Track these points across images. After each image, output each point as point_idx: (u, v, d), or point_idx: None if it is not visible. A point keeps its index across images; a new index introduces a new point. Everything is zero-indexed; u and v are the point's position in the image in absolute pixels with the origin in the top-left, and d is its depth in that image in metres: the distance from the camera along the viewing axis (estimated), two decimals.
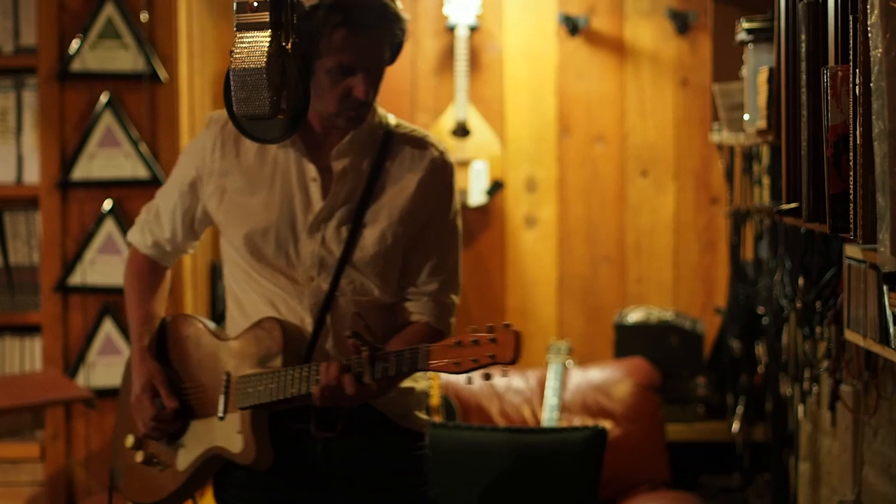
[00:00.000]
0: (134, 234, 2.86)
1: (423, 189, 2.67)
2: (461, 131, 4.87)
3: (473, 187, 4.86)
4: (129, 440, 2.76)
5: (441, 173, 2.70)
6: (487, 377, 2.36)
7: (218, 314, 4.75)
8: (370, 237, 2.63)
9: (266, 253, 2.66)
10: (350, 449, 2.65)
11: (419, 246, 2.68)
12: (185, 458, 2.69)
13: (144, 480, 2.76)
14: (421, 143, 2.71)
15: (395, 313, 2.72)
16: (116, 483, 2.83)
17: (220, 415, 2.63)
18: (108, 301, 4.37)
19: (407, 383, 2.70)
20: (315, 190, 2.65)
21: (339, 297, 2.63)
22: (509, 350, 2.33)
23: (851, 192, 2.06)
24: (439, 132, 4.89)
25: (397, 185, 2.66)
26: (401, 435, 2.71)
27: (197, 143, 2.76)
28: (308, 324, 2.63)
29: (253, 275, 2.69)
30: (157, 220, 2.82)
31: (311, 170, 2.65)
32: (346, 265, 2.63)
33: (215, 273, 4.76)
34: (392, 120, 2.73)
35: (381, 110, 2.71)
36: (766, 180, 3.86)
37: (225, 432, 2.63)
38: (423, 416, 2.78)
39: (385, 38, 2.59)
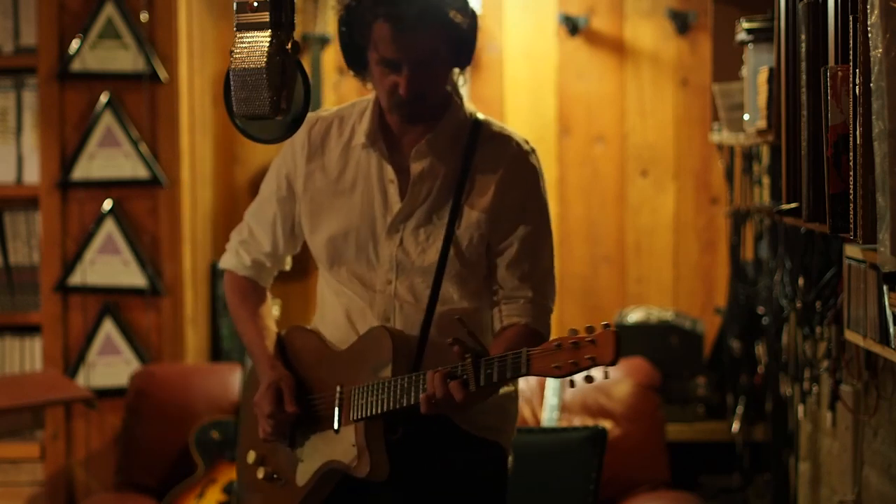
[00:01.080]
0: (228, 260, 2.82)
1: (503, 191, 2.61)
2: None
3: None
4: (251, 456, 2.73)
5: (523, 173, 2.64)
6: (589, 379, 2.30)
7: (218, 314, 4.76)
8: (455, 239, 2.60)
9: (347, 256, 2.64)
10: (413, 453, 2.60)
11: (508, 250, 2.63)
12: (303, 473, 2.65)
13: (266, 498, 2.72)
14: (504, 143, 2.65)
15: (489, 320, 2.67)
16: (240, 501, 2.81)
17: (336, 428, 2.60)
18: (108, 301, 4.37)
19: None
20: (393, 192, 2.62)
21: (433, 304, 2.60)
22: (609, 351, 2.26)
23: (851, 192, 2.06)
24: None
25: (478, 187, 2.61)
26: (468, 442, 2.65)
27: (286, 148, 2.74)
28: None
29: (332, 278, 2.68)
30: (252, 239, 2.78)
31: (389, 171, 2.62)
32: (441, 270, 2.59)
33: (215, 273, 4.75)
34: (480, 117, 2.67)
35: (469, 108, 2.66)
36: (766, 180, 3.86)
37: (341, 445, 2.59)
38: (498, 423, 2.69)
39: (436, 34, 2.52)
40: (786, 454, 3.76)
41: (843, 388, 2.91)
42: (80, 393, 4.06)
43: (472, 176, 2.62)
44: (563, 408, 4.29)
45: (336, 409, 2.60)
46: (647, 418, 4.27)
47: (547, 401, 4.29)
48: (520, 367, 2.34)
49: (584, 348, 2.28)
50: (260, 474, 2.71)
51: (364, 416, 2.54)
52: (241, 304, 2.79)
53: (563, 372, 2.30)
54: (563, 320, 4.98)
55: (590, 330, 2.29)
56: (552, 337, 2.55)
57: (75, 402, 4.19)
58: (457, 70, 2.65)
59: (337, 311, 2.68)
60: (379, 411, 2.52)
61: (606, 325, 2.29)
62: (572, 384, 2.34)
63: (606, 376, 2.29)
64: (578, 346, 2.29)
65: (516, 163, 2.64)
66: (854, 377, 2.83)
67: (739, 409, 4.20)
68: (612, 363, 2.27)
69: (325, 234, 2.66)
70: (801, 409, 3.56)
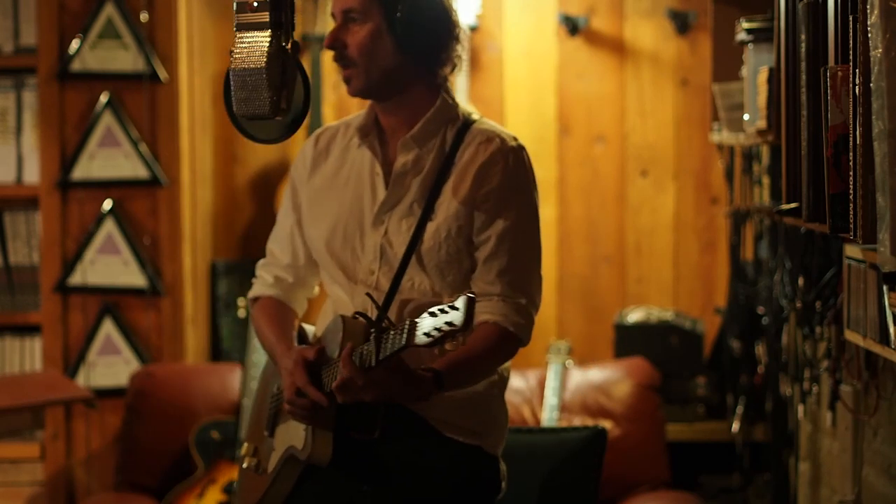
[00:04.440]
0: (252, 290, 2.83)
1: (480, 181, 2.60)
2: None
3: None
4: (245, 447, 2.78)
5: (503, 165, 2.62)
6: (448, 345, 2.27)
7: (218, 314, 4.76)
8: (429, 230, 2.60)
9: (335, 249, 2.66)
10: (392, 454, 2.60)
11: (485, 244, 2.60)
12: (273, 461, 2.69)
13: (248, 485, 2.76)
14: (489, 138, 2.64)
15: None
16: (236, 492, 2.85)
17: None
18: (108, 301, 4.37)
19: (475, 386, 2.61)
20: (379, 184, 2.65)
21: (398, 294, 2.60)
22: (460, 315, 2.24)
23: (851, 192, 2.06)
24: None
25: (459, 179, 2.61)
26: (445, 445, 2.61)
27: (296, 161, 2.80)
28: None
29: (326, 278, 2.73)
30: (272, 258, 2.80)
31: (377, 164, 2.66)
32: (407, 260, 2.60)
33: (215, 273, 4.76)
34: (475, 117, 2.69)
35: (463, 108, 2.68)
36: (766, 180, 3.86)
37: (297, 431, 2.62)
38: (479, 426, 2.63)
39: None
40: (786, 454, 3.76)
41: (843, 388, 2.91)
42: (80, 393, 4.05)
43: (455, 169, 2.63)
44: (563, 408, 4.29)
45: None
46: (647, 418, 4.27)
47: (547, 401, 4.29)
48: (402, 337, 2.30)
49: (446, 314, 2.27)
50: (245, 464, 2.75)
51: None
52: (265, 321, 2.75)
53: (430, 340, 2.26)
54: (563, 320, 4.98)
55: (456, 297, 2.28)
56: (531, 342, 2.57)
57: (75, 402, 4.19)
58: (448, 71, 2.66)
59: (328, 308, 2.72)
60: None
61: (467, 292, 2.27)
62: (440, 352, 2.33)
63: (463, 342, 2.27)
64: (445, 312, 2.27)
65: (497, 155, 2.62)
66: (854, 377, 2.83)
67: (739, 409, 4.20)
68: (464, 328, 2.23)
69: (320, 231, 2.69)
70: (801, 409, 3.56)
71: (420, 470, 2.61)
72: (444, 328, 2.24)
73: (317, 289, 2.85)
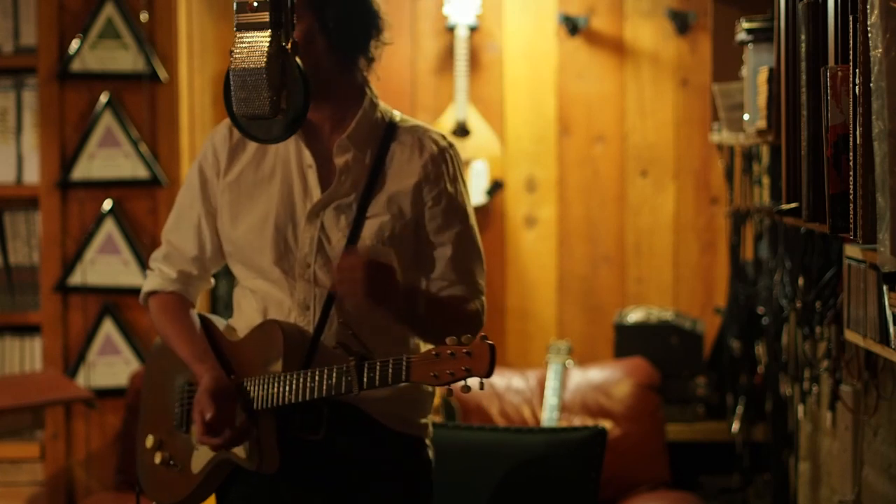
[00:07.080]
0: (151, 282, 2.77)
1: (422, 181, 2.64)
2: (461, 131, 4.87)
3: (473, 187, 4.86)
4: (150, 440, 2.73)
5: (442, 166, 2.67)
6: (467, 389, 2.35)
7: (217, 314, 4.75)
8: (368, 229, 2.61)
9: (266, 243, 2.64)
10: (338, 452, 2.61)
11: (442, 248, 2.65)
12: (198, 461, 2.66)
13: (162, 481, 2.73)
14: (422, 137, 2.68)
15: None
16: (140, 482, 2.80)
17: None
18: (108, 301, 4.37)
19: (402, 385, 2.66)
20: (312, 177, 2.64)
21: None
22: (484, 364, 2.33)
23: (851, 192, 2.06)
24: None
25: (397, 178, 2.64)
26: (391, 439, 2.65)
27: (206, 149, 2.76)
28: (299, 319, 2.61)
29: (249, 273, 2.68)
30: (174, 251, 2.76)
31: (307, 156, 2.64)
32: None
33: (215, 273, 4.75)
34: (396, 116, 2.71)
35: (383, 105, 2.70)
36: (766, 180, 3.86)
37: None
38: (420, 419, 2.70)
39: None
40: (786, 454, 3.76)
41: (843, 388, 2.91)
42: (80, 393, 4.06)
43: (392, 167, 2.65)
44: (563, 408, 4.29)
45: None
46: (647, 418, 4.27)
47: (547, 401, 4.29)
48: (400, 373, 2.39)
49: (461, 359, 2.34)
50: (157, 459, 2.71)
51: (259, 408, 2.55)
52: (170, 322, 2.72)
53: (440, 381, 2.36)
54: (563, 320, 4.98)
55: (467, 341, 2.35)
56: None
57: (75, 402, 4.19)
58: (362, 62, 2.65)
59: (252, 308, 2.68)
60: (269, 406, 2.53)
61: (484, 337, 2.35)
62: (450, 392, 2.38)
63: (482, 387, 2.35)
64: (455, 356, 2.35)
65: (438, 158, 2.66)
66: (854, 377, 2.83)
67: (739, 409, 4.20)
68: (487, 375, 2.34)
69: (246, 224, 2.67)
70: (801, 409, 3.56)
71: (370, 464, 2.63)
72: (459, 373, 2.34)
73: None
